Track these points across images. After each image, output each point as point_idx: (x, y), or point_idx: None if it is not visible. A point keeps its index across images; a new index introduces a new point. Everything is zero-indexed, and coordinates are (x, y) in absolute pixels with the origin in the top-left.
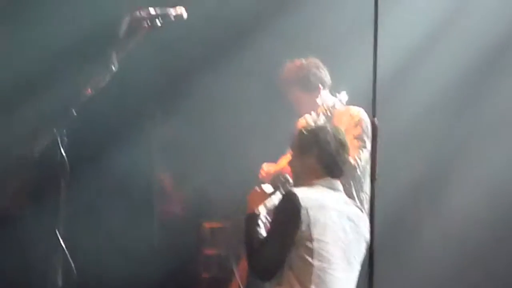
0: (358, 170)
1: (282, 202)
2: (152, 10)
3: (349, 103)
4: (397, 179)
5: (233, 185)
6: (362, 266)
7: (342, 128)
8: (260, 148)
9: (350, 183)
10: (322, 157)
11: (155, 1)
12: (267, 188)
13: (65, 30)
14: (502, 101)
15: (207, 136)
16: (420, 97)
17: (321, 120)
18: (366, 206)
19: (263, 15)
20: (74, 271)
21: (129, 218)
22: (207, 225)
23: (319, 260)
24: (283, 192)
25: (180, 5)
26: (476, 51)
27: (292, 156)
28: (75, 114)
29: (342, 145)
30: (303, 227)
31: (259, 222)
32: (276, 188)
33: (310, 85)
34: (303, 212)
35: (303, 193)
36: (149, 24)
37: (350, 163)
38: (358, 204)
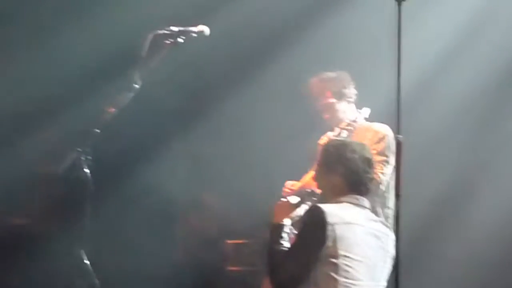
0: (382, 186)
1: (308, 216)
2: (174, 28)
3: (374, 120)
4: (421, 195)
5: (256, 202)
6: (388, 282)
7: (366, 143)
8: (284, 166)
9: (374, 199)
10: (347, 175)
11: (177, 19)
12: (293, 199)
13: (88, 49)
14: None
15: (229, 153)
16: (444, 112)
17: (343, 136)
18: (391, 221)
19: (286, 33)
20: None
21: (152, 236)
22: (230, 241)
23: (344, 277)
24: (309, 203)
25: (203, 23)
26: (500, 65)
27: (318, 173)
28: (98, 132)
29: (367, 162)
30: (329, 242)
31: (284, 233)
32: (302, 199)
33: (342, 95)
34: (329, 227)
35: (329, 209)
36: (172, 41)
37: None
38: (383, 220)
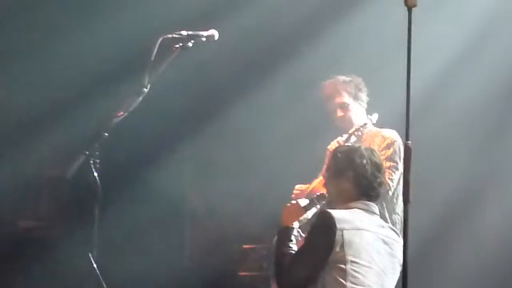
0: (390, 192)
1: (317, 221)
2: (183, 32)
3: (383, 126)
4: (430, 201)
5: (265, 207)
6: None
7: (375, 149)
8: (293, 170)
9: (383, 205)
10: (357, 180)
11: (186, 23)
12: (303, 201)
13: (96, 53)
14: None
15: (238, 157)
16: (453, 118)
17: (352, 141)
18: (399, 227)
19: (295, 38)
20: None
21: (159, 239)
22: (245, 246)
23: (353, 282)
24: (318, 206)
25: (211, 27)
26: (510, 72)
27: (327, 179)
28: (106, 135)
29: (377, 167)
30: (337, 248)
31: (292, 236)
32: (311, 202)
33: (357, 97)
34: (338, 233)
35: (338, 214)
36: (181, 45)
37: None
38: (391, 225)
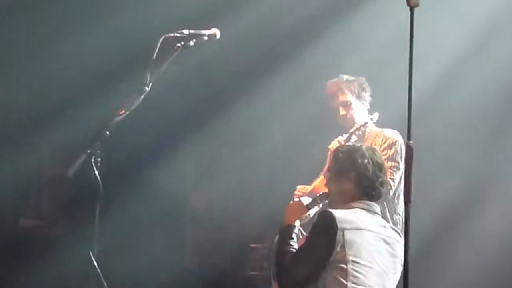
0: (391, 192)
1: (318, 220)
2: (185, 31)
3: (385, 126)
4: (431, 202)
5: (266, 207)
6: None
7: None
8: (294, 170)
9: (384, 205)
10: (359, 180)
11: (188, 23)
12: (305, 199)
13: (98, 51)
14: None
15: (240, 158)
16: (455, 119)
17: (353, 140)
18: (400, 227)
19: (297, 38)
20: None
21: (160, 239)
22: (249, 245)
23: (354, 282)
24: (321, 205)
25: (213, 26)
26: None
27: (329, 179)
28: (108, 134)
29: (379, 167)
30: (338, 248)
31: (294, 234)
32: (314, 200)
33: (360, 96)
34: (339, 233)
35: (340, 214)
36: (182, 44)
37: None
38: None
